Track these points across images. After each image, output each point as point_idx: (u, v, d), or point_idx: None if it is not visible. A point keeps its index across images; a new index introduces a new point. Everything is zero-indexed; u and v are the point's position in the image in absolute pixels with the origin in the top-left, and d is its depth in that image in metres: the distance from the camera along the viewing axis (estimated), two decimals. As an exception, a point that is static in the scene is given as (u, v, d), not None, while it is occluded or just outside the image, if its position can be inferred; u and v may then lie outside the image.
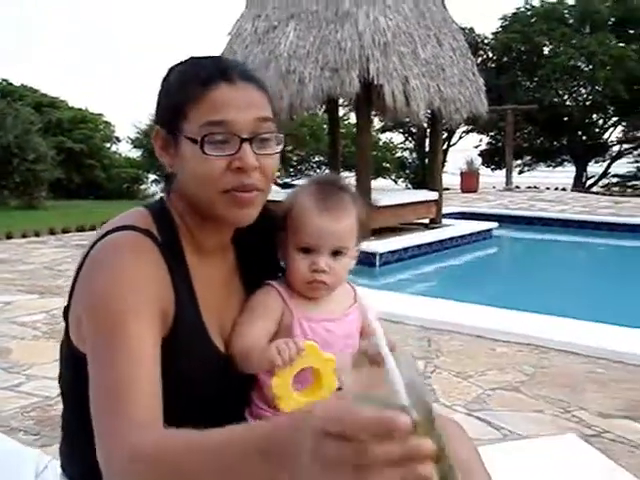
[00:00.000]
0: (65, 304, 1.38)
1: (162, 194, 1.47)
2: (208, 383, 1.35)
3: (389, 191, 14.07)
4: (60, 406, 4.10)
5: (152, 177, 23.47)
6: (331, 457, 0.70)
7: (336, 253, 1.48)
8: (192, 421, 0.98)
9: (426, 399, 0.76)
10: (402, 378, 0.74)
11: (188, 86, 1.31)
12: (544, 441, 2.79)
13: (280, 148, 1.37)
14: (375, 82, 9.11)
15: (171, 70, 1.39)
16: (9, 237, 11.61)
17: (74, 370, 1.34)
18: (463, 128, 23.54)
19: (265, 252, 1.55)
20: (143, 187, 24.21)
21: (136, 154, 23.98)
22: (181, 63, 1.39)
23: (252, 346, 1.37)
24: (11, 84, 28.49)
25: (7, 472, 1.73)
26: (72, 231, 12.49)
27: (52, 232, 12.20)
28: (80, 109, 25.89)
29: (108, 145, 25.18)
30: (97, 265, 1.29)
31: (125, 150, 25.06)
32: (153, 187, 23.91)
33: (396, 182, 23.24)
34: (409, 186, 22.01)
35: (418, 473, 0.68)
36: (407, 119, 11.73)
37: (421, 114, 9.93)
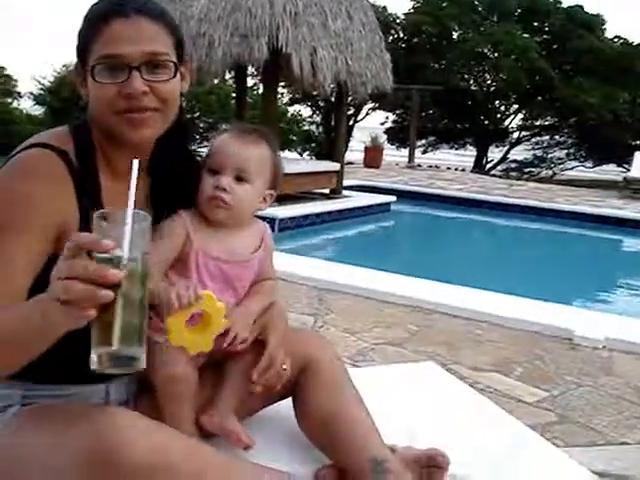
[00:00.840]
0: None
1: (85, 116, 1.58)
2: None
3: (291, 160, 14.22)
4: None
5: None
6: (59, 270, 1.06)
7: (239, 179, 1.61)
8: (76, 336, 1.12)
9: (146, 262, 1.10)
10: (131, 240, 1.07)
11: (90, 23, 1.45)
12: (403, 367, 3.02)
13: (174, 73, 1.47)
14: (284, 51, 9.20)
15: (87, 11, 1.51)
16: None
17: None
18: (370, 105, 23.86)
19: (178, 187, 1.65)
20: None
21: (38, 111, 23.20)
22: (95, 3, 1.50)
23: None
24: None
25: None
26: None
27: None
28: (-22, 60, 24.84)
29: (9, 100, 24.25)
30: (1, 177, 1.42)
31: (27, 107, 24.22)
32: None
33: (301, 155, 23.36)
34: (314, 159, 22.18)
35: (98, 292, 1.01)
36: (314, 91, 11.88)
37: (327, 85, 10.10)
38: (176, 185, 1.66)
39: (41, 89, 22.31)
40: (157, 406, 1.56)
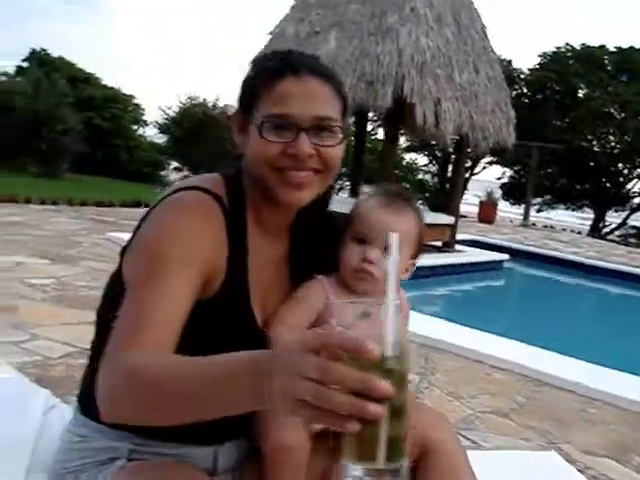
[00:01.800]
0: (125, 244, 1.48)
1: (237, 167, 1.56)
2: (230, 349, 1.42)
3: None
4: (61, 368, 4.18)
5: (174, 164, 23.58)
6: (305, 368, 0.83)
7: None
8: None
9: (406, 356, 0.90)
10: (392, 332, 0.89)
11: (260, 77, 1.43)
12: (524, 454, 2.83)
13: (341, 139, 1.43)
14: (408, 100, 9.20)
15: (253, 60, 1.52)
16: (28, 202, 11.75)
17: (112, 303, 1.42)
18: (487, 159, 23.57)
19: (319, 251, 1.62)
20: (163, 173, 24.33)
21: (161, 139, 24.09)
22: (263, 55, 1.51)
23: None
24: (48, 54, 28.75)
25: (17, 406, 1.81)
26: (89, 205, 12.62)
27: (70, 203, 12.33)
28: (112, 88, 26.08)
29: (135, 127, 25.32)
30: (160, 215, 1.40)
31: (151, 134, 25.20)
32: (173, 175, 24.02)
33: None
34: (426, 209, 22.01)
35: (367, 408, 0.82)
36: (433, 142, 11.78)
37: (449, 137, 10.01)
38: (315, 246, 1.62)
39: (165, 118, 23.13)
40: (264, 476, 1.48)
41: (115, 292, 1.46)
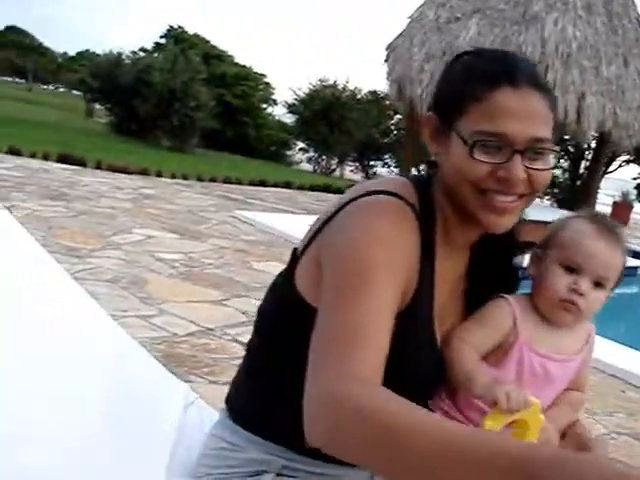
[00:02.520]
0: (298, 247, 1.38)
1: (427, 172, 1.44)
2: (412, 367, 1.29)
3: (538, 206, 13.61)
4: (186, 346, 4.21)
5: (300, 145, 23.78)
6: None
7: (598, 284, 1.40)
8: None
9: None
10: None
11: (471, 82, 1.25)
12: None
13: (552, 162, 1.28)
14: (550, 92, 8.80)
15: (457, 58, 1.34)
16: (159, 175, 12.06)
17: (285, 311, 1.36)
18: (625, 157, 22.46)
19: (497, 268, 1.48)
20: (289, 153, 24.59)
21: (290, 119, 24.35)
22: (468, 53, 1.34)
23: (473, 367, 1.33)
24: (185, 32, 29.56)
25: (158, 398, 1.74)
26: (218, 181, 12.83)
27: (200, 178, 12.58)
28: (244, 66, 26.55)
29: (265, 106, 25.69)
30: (357, 217, 1.26)
31: (279, 114, 25.50)
32: (299, 155, 24.21)
33: (542, 199, 22.51)
34: (554, 205, 21.25)
35: None
36: (574, 138, 11.26)
37: (589, 134, 9.52)
38: (494, 263, 1.47)
39: (295, 99, 23.32)
40: None
41: (283, 294, 1.38)
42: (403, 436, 0.92)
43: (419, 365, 1.30)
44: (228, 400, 1.52)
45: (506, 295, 1.44)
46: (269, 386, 1.42)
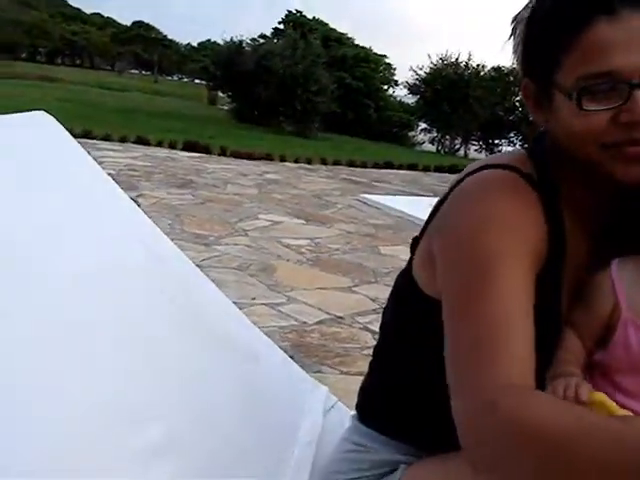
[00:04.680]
0: (416, 235, 1.26)
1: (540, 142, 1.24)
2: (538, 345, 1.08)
3: None
4: (315, 335, 4.11)
5: (423, 125, 23.47)
6: None
7: None
8: None
9: None
10: None
11: (557, 28, 1.05)
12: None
13: None
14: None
15: (534, 9, 1.12)
16: (282, 160, 12.11)
17: (407, 308, 1.27)
18: None
19: (627, 230, 1.22)
20: (412, 134, 24.33)
21: (411, 100, 24.06)
22: None
23: (567, 356, 1.14)
24: (304, 16, 29.70)
25: (296, 401, 1.62)
26: (342, 164, 12.79)
27: (323, 162, 12.56)
28: (364, 47, 26.41)
29: (385, 87, 25.49)
30: (468, 198, 1.13)
31: (401, 95, 25.22)
32: (421, 135, 23.89)
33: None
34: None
35: None
36: None
37: None
38: (625, 227, 1.21)
39: (416, 79, 22.99)
40: None
41: (403, 288, 1.28)
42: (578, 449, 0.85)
43: (543, 340, 1.06)
44: (358, 406, 1.45)
45: (615, 261, 1.18)
46: (396, 386, 1.35)
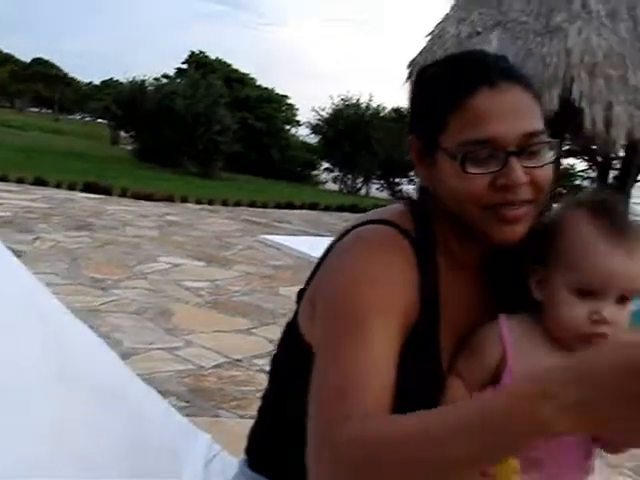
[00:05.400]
0: (302, 287, 1.29)
1: (421, 196, 1.31)
2: (417, 402, 1.16)
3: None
4: (213, 379, 4.12)
5: (325, 165, 23.76)
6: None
7: (623, 299, 1.14)
8: None
9: None
10: None
11: (443, 93, 1.15)
12: None
13: (553, 155, 1.16)
14: (576, 104, 8.63)
15: (424, 72, 1.23)
16: (184, 201, 12.05)
17: (292, 356, 1.28)
18: (654, 164, 22.14)
19: (517, 286, 1.27)
20: (315, 173, 24.58)
21: (314, 140, 24.36)
22: (435, 64, 1.22)
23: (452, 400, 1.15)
24: (206, 56, 29.78)
25: (178, 450, 1.64)
26: (244, 205, 12.80)
27: (225, 203, 12.55)
28: (267, 88, 26.65)
29: (288, 127, 25.74)
30: (346, 255, 1.18)
31: (303, 134, 25.51)
32: (324, 174, 24.19)
33: (571, 210, 22.27)
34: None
35: None
36: (604, 148, 11.05)
37: (619, 143, 9.33)
38: (515, 283, 1.27)
39: (319, 119, 23.32)
40: None
41: (291, 343, 1.30)
42: (407, 451, 0.90)
43: (423, 400, 1.08)
44: (246, 450, 1.45)
45: (502, 316, 1.21)
46: (282, 431, 1.34)
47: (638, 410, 0.73)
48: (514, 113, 1.11)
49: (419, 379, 1.15)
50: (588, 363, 0.79)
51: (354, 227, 1.22)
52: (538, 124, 1.13)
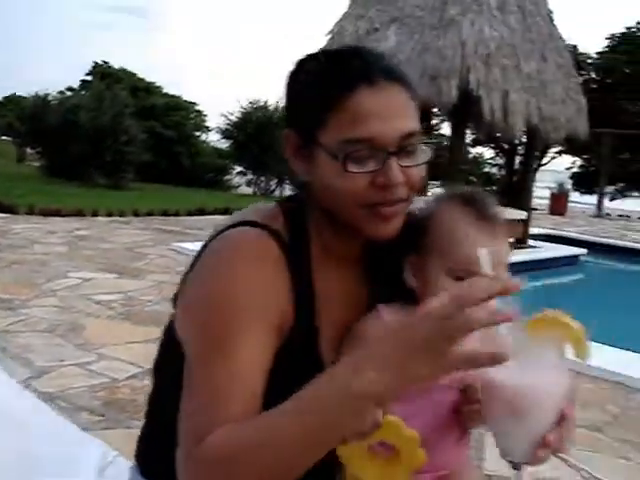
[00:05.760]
0: (176, 291, 1.28)
1: (297, 192, 1.34)
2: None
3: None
4: (126, 390, 4.09)
5: (238, 169, 23.65)
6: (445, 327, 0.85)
7: None
8: None
9: None
10: None
11: (323, 90, 1.16)
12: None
13: (428, 156, 1.20)
14: (474, 93, 8.87)
15: (301, 66, 1.23)
16: (95, 215, 11.83)
17: (170, 360, 1.27)
18: (556, 148, 22.91)
19: (399, 265, 1.33)
20: (227, 178, 24.43)
21: (224, 145, 24.20)
22: (313, 58, 1.22)
23: None
24: (110, 67, 29.27)
25: (70, 459, 1.62)
26: (155, 214, 12.64)
27: (136, 214, 12.37)
28: (174, 96, 26.36)
29: (198, 134, 25.50)
30: (210, 262, 1.19)
31: (214, 140, 25.32)
32: (237, 178, 24.08)
33: (481, 197, 22.81)
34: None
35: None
36: (504, 135, 11.39)
37: (517, 130, 9.63)
38: (395, 264, 1.32)
39: (228, 124, 23.19)
40: None
41: (169, 348, 1.29)
42: (257, 451, 0.96)
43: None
44: (137, 455, 1.44)
45: (381, 307, 1.28)
46: (165, 437, 1.30)
47: (419, 352, 0.87)
48: (393, 112, 1.13)
49: (301, 380, 1.18)
50: (378, 339, 0.92)
51: (226, 228, 1.22)
52: (415, 124, 1.17)
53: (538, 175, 24.19)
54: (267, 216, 1.23)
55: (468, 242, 1.22)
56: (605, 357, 5.25)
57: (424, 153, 1.19)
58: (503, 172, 23.51)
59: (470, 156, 22.62)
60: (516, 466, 1.03)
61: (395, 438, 1.08)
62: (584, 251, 11.65)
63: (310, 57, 1.23)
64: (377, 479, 1.12)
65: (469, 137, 22.96)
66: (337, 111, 1.13)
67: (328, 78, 1.16)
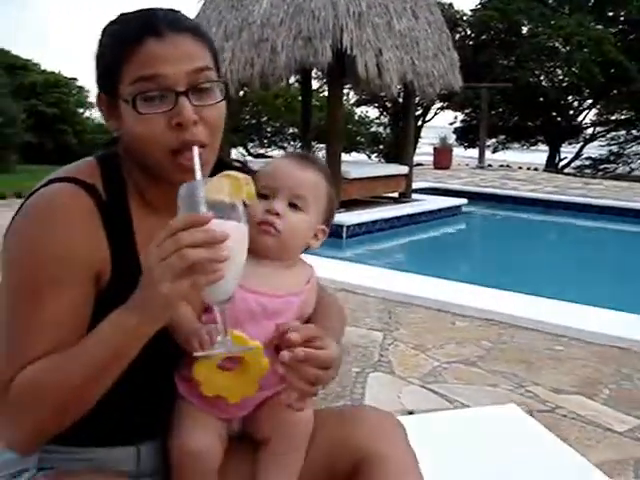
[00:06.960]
0: None
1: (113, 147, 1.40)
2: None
3: (359, 164, 14.03)
4: None
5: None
6: (160, 252, 1.06)
7: (294, 206, 1.39)
8: (122, 377, 1.17)
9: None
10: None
11: (116, 47, 1.25)
12: (484, 410, 2.76)
13: (222, 96, 1.29)
14: (348, 53, 9.01)
15: (103, 31, 1.32)
16: (-27, 199, 11.43)
17: None
18: (438, 105, 23.49)
19: None
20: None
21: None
22: (111, 22, 1.31)
23: (182, 315, 1.29)
24: (-18, 45, 27.92)
25: None
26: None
27: (19, 195, 12.00)
28: (53, 72, 25.44)
29: (81, 110, 24.77)
30: (24, 222, 1.25)
31: (98, 116, 24.68)
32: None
33: (370, 157, 23.17)
34: (382, 161, 21.91)
35: (215, 253, 1.04)
36: (381, 93, 11.62)
37: (394, 87, 9.85)
38: None
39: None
40: None
41: None
42: (56, 377, 1.15)
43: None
44: None
45: None
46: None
47: (153, 279, 1.06)
48: (179, 56, 1.22)
49: None
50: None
51: (42, 186, 1.28)
52: (204, 62, 1.25)
53: (424, 132, 24.88)
54: (82, 171, 1.30)
55: (275, 171, 1.42)
56: (480, 297, 5.56)
57: (219, 94, 1.28)
58: (389, 131, 24.01)
59: (356, 117, 22.88)
60: (220, 307, 1.15)
61: (242, 350, 1.20)
62: (464, 201, 12.06)
63: (110, 22, 1.32)
64: (230, 390, 1.25)
65: (353, 98, 23.31)
66: (129, 62, 1.22)
67: (120, 35, 1.26)
